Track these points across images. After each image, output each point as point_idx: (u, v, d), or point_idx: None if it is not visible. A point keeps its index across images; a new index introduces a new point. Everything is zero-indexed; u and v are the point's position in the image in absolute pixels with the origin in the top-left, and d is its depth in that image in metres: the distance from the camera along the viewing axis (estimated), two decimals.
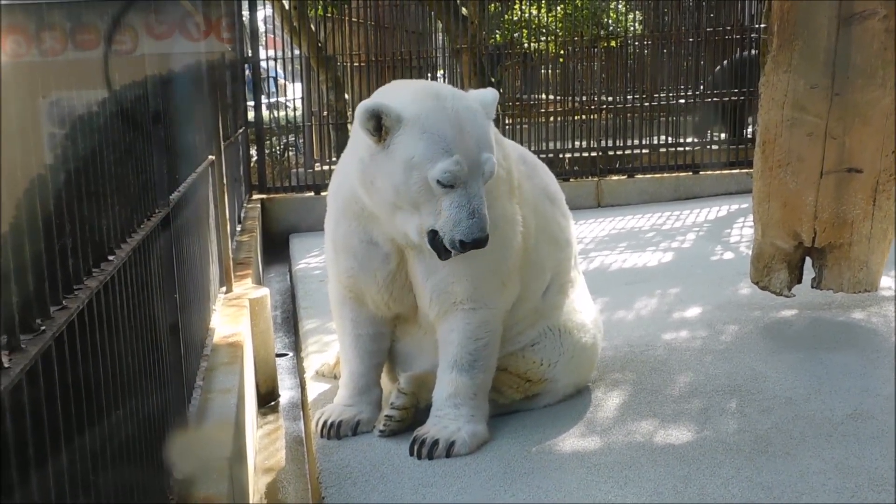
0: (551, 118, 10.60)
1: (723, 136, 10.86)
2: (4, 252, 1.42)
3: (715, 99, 10.72)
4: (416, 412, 3.74)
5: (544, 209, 3.98)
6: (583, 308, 4.13)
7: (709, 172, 10.39)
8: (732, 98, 10.62)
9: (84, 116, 2.03)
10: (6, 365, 1.32)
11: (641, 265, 7.06)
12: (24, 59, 1.70)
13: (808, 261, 5.12)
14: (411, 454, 3.53)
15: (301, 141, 11.04)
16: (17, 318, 1.42)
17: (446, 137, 3.23)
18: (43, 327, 1.51)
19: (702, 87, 10.82)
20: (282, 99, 11.84)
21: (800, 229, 4.99)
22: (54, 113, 1.83)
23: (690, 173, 10.40)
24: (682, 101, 10.86)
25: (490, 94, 3.49)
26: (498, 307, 3.66)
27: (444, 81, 11.25)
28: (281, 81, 10.92)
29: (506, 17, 11.77)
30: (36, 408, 1.42)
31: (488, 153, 3.29)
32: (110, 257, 2.09)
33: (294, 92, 11.40)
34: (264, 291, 4.96)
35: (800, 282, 5.14)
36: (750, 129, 10.65)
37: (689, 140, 10.75)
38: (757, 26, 10.70)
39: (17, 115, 1.54)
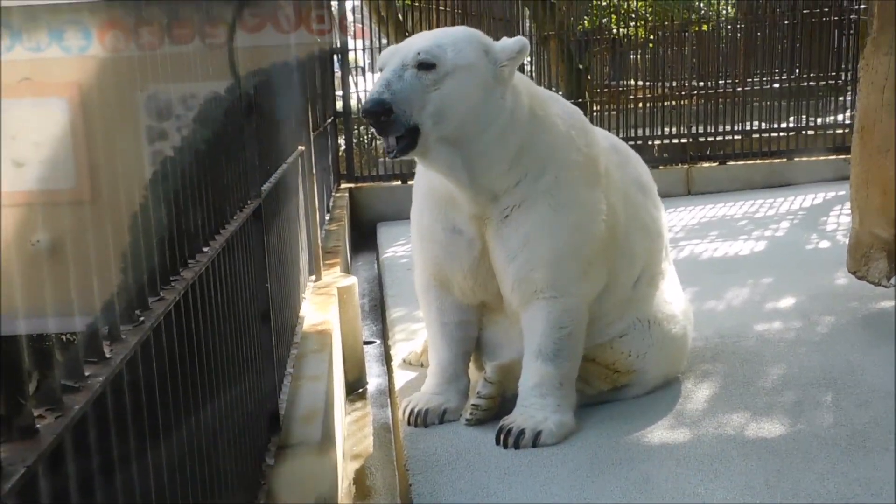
0: (640, 104, 10.44)
1: (818, 121, 10.55)
2: (106, 245, 1.46)
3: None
4: (502, 401, 3.74)
5: (636, 199, 3.93)
6: (673, 299, 4.07)
7: (804, 158, 10.11)
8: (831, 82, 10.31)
9: (180, 110, 2.09)
10: (108, 355, 1.37)
11: (733, 254, 6.91)
12: (122, 54, 1.75)
13: None
14: (497, 443, 3.53)
15: None
16: (117, 309, 1.47)
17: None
18: (142, 318, 1.56)
19: (797, 71, 10.52)
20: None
21: None
22: (152, 106, 1.88)
23: (784, 160, 10.13)
24: (777, 85, 10.57)
25: (513, 39, 3.47)
26: (581, 296, 3.62)
27: (532, 68, 11.19)
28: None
29: (594, 2, 11.63)
30: (136, 396, 1.47)
31: (429, 45, 3.28)
32: (205, 248, 2.14)
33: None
34: (352, 280, 5.03)
35: None
36: (847, 114, 10.32)
37: (783, 125, 10.46)
38: (856, 7, 10.34)
39: (117, 108, 1.58)
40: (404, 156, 3.32)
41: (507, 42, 3.42)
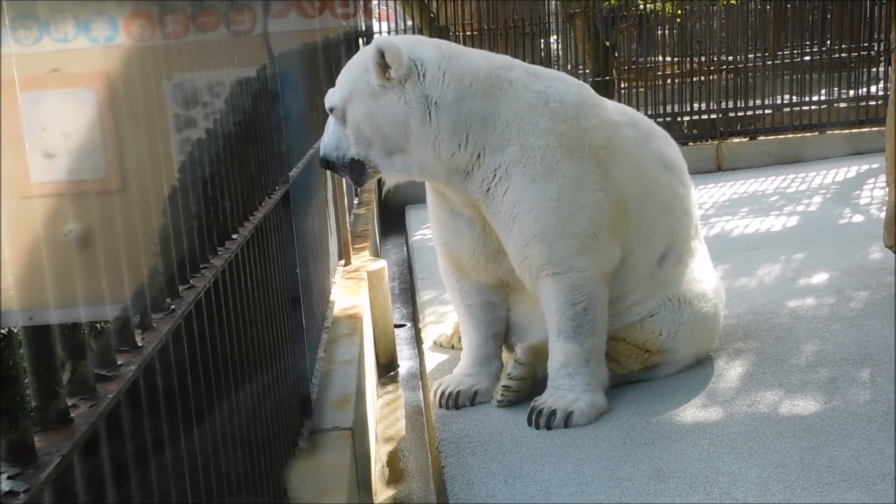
0: (668, 80, 10.34)
1: (851, 93, 10.38)
2: (136, 234, 1.47)
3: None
4: (533, 382, 3.75)
5: (656, 175, 3.88)
6: (703, 277, 4.03)
7: (836, 132, 9.98)
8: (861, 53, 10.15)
9: (207, 97, 2.09)
10: (139, 344, 1.38)
11: (764, 230, 6.85)
12: (148, 43, 1.75)
13: None
14: (529, 424, 3.54)
15: None
16: (148, 298, 1.48)
17: None
18: (173, 306, 1.57)
19: (828, 42, 10.36)
20: None
21: None
22: (178, 94, 1.88)
23: (816, 133, 10.00)
24: (808, 57, 10.42)
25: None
26: (588, 270, 3.58)
27: (558, 47, 11.11)
28: None
29: None
30: (168, 384, 1.48)
31: (327, 95, 3.66)
32: (234, 235, 2.15)
33: None
34: (382, 263, 5.04)
35: None
36: (880, 85, 10.16)
37: (814, 98, 10.31)
38: None
39: (145, 97, 1.59)
40: (363, 182, 3.75)
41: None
